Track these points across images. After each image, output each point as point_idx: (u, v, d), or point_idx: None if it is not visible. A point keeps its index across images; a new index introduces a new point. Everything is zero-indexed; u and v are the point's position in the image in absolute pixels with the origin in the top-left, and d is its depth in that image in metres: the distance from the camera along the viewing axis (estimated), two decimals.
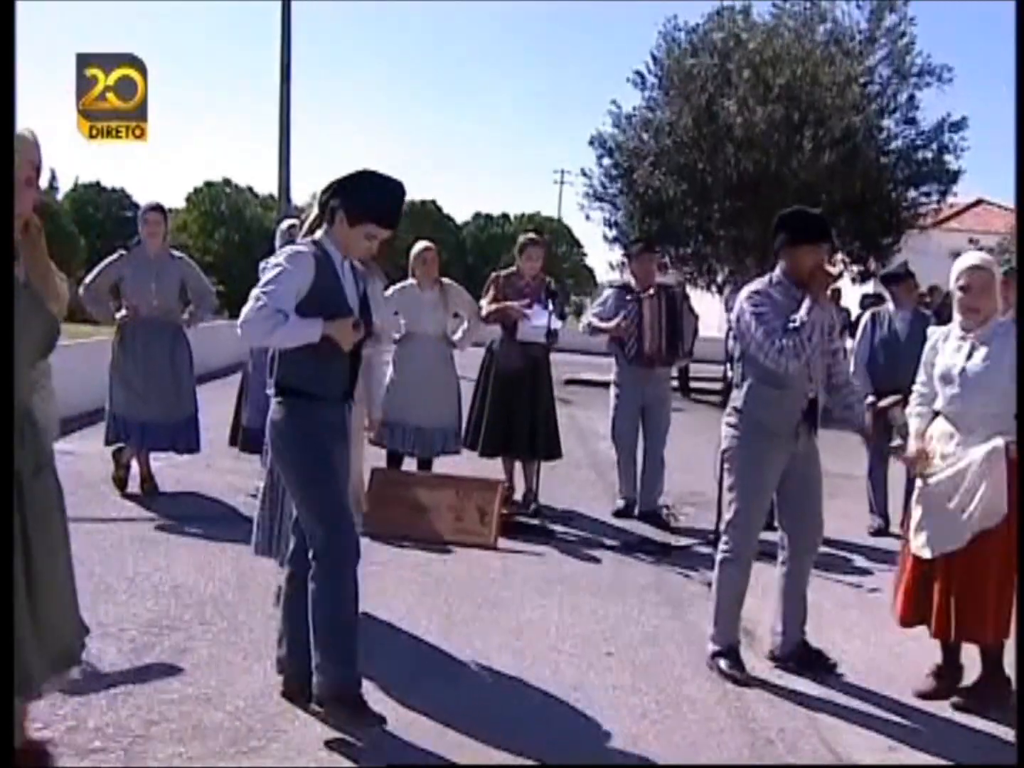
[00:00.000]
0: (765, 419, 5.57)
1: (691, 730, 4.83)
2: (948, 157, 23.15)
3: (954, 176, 23.41)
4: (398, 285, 8.78)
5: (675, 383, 18.49)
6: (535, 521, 8.61)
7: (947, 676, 5.48)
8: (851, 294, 21.77)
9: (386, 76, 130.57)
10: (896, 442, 6.14)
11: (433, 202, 67.48)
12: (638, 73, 23.73)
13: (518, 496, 9.16)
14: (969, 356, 5.28)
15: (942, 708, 5.30)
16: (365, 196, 4.59)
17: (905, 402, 5.98)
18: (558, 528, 8.61)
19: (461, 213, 76.10)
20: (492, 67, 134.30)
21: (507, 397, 8.91)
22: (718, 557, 5.73)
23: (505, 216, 71.29)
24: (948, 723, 5.15)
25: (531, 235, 9.65)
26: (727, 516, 5.71)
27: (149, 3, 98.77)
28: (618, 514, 9.16)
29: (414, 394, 8.46)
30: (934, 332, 5.64)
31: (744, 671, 5.54)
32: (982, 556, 5.14)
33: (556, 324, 8.75)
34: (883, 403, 8.35)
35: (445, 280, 8.94)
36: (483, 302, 9.00)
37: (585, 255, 67.02)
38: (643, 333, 9.06)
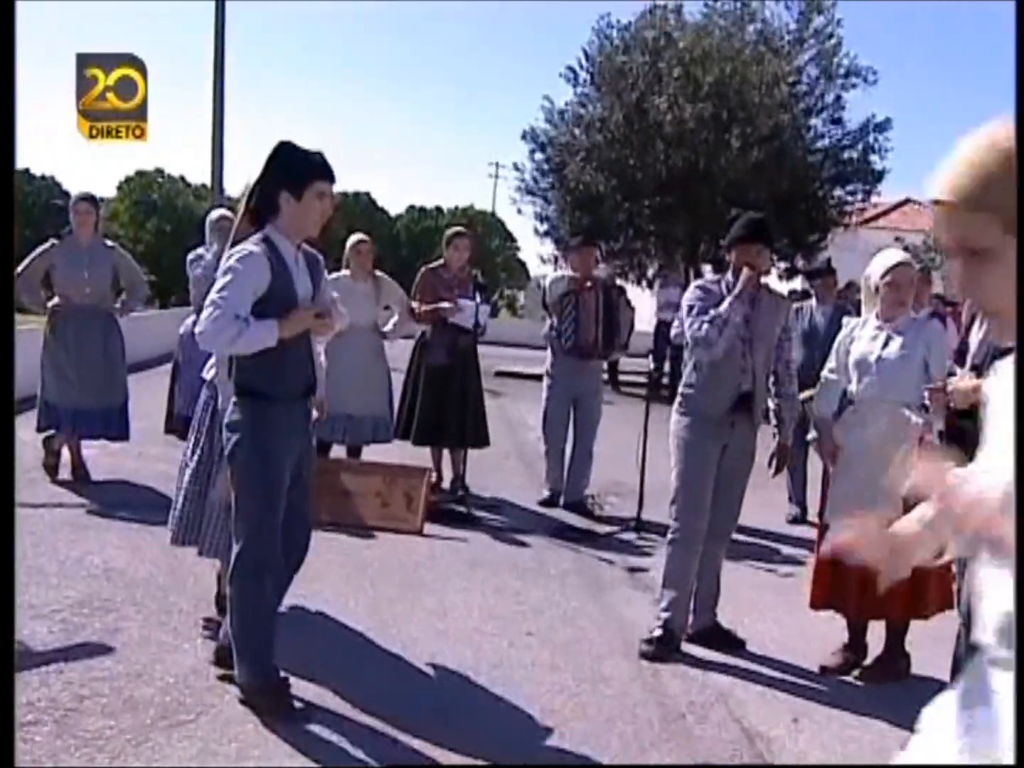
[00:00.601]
0: (699, 403, 5.87)
1: (606, 705, 5.04)
2: (873, 157, 23.62)
3: (879, 175, 23.88)
4: (332, 276, 8.89)
5: (605, 376, 18.77)
6: (461, 508, 8.78)
7: (852, 653, 5.76)
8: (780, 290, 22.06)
9: (321, 67, 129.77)
10: (813, 435, 6.35)
11: (367, 194, 67.25)
12: (571, 69, 23.94)
13: (445, 484, 9.34)
14: (885, 345, 5.57)
15: (845, 682, 5.59)
16: (297, 161, 4.60)
17: None
18: (484, 515, 8.80)
19: (395, 206, 75.86)
20: (427, 60, 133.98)
21: (437, 388, 9.08)
22: (667, 538, 5.99)
23: (439, 209, 71.24)
24: (850, 695, 5.41)
25: (458, 228, 9.86)
26: (671, 497, 5.96)
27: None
28: (544, 504, 9.35)
29: (346, 384, 8.58)
30: (849, 322, 5.92)
31: (669, 653, 5.76)
32: None
33: (483, 317, 8.93)
34: (802, 396, 8.61)
35: (378, 272, 9.12)
36: (414, 303, 9.16)
37: (518, 249, 67.16)
38: (580, 325, 9.25)
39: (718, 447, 5.84)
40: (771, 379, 6.04)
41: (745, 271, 5.80)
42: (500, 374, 19.58)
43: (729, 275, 5.94)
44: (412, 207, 73.03)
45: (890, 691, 5.36)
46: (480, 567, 7.27)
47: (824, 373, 5.93)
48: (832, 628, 5.87)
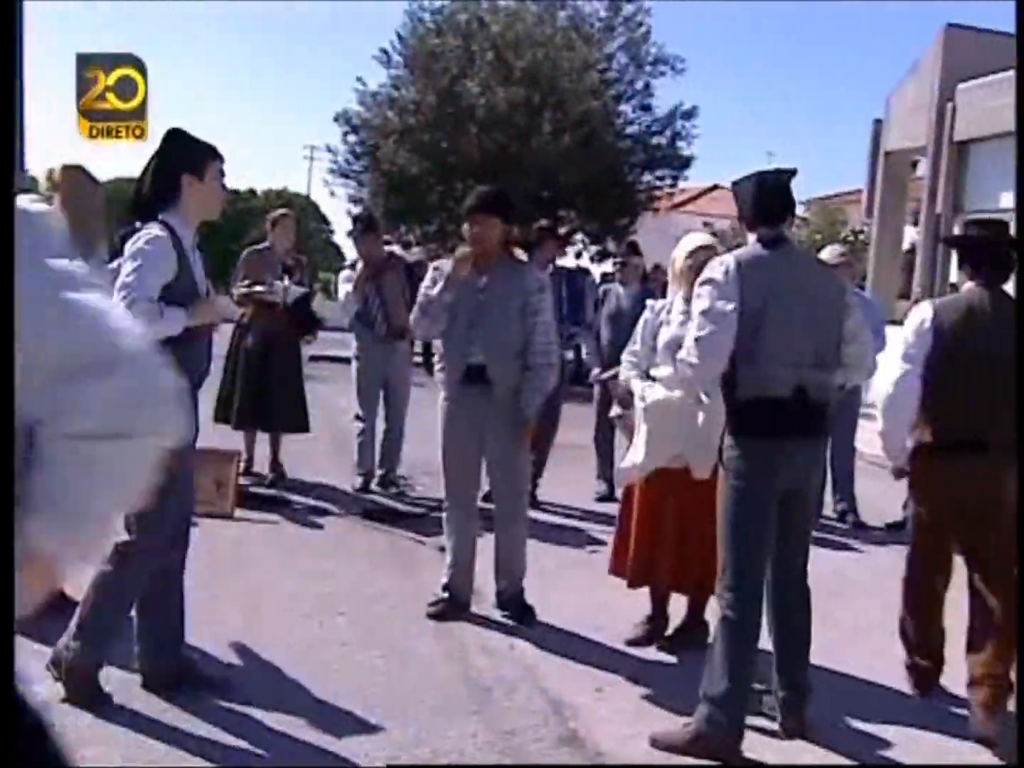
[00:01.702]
0: (441, 380, 6.14)
1: (414, 681, 5.11)
2: (681, 143, 24.35)
3: (686, 161, 24.56)
4: None
5: (419, 359, 18.80)
6: (273, 492, 8.74)
7: (655, 624, 5.95)
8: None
9: (131, 47, 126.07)
10: (616, 411, 6.50)
11: None
12: (384, 51, 23.96)
13: (257, 468, 9.27)
14: None
15: (648, 653, 5.78)
16: (193, 143, 4.65)
17: None
18: (296, 499, 8.76)
19: None
20: (239, 42, 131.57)
21: (257, 372, 8.98)
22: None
23: (252, 192, 70.02)
24: (652, 664, 5.62)
25: (283, 210, 9.79)
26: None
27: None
28: (358, 488, 9.34)
29: None
30: (653, 304, 6.07)
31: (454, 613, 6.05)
32: (705, 521, 5.61)
33: (291, 297, 8.83)
34: (605, 375, 8.82)
35: None
36: (234, 289, 9.03)
37: (332, 232, 66.54)
38: (388, 308, 9.24)
39: (471, 420, 6.02)
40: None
41: (458, 251, 5.99)
42: (315, 358, 19.41)
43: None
44: (225, 189, 71.49)
45: (690, 658, 5.56)
46: (291, 550, 7.25)
47: (625, 353, 6.07)
48: (636, 601, 6.03)
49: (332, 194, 25.83)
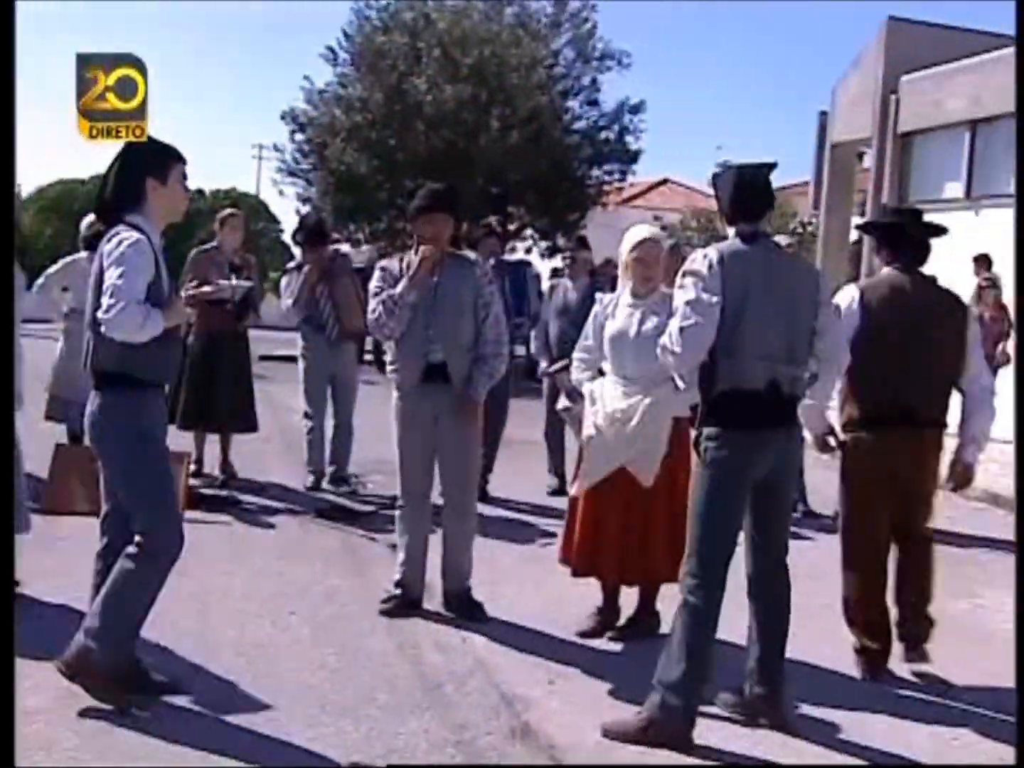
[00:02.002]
0: (396, 379, 6.12)
1: (366, 678, 5.11)
2: (629, 138, 24.42)
3: (635, 156, 24.67)
4: (67, 259, 8.71)
5: (371, 356, 18.77)
6: (224, 493, 8.69)
7: (606, 615, 5.98)
8: (541, 268, 22.53)
9: (80, 45, 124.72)
10: (563, 404, 6.51)
11: None
12: (330, 49, 23.87)
13: (207, 469, 9.22)
14: (642, 322, 5.74)
15: (600, 644, 5.81)
16: (156, 147, 4.77)
17: None
18: (247, 499, 8.73)
19: None
20: (186, 39, 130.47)
21: (204, 372, 8.92)
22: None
23: (200, 191, 69.52)
24: (603, 655, 5.65)
25: (231, 209, 9.76)
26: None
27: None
28: (309, 487, 9.30)
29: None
30: (602, 298, 6.09)
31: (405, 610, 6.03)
32: (650, 513, 5.66)
33: (238, 294, 8.76)
34: (552, 368, 8.83)
35: None
36: (183, 291, 8.94)
37: (282, 231, 66.11)
38: (340, 312, 9.19)
39: (426, 418, 6.03)
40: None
41: (421, 251, 5.95)
42: (264, 358, 19.34)
43: (412, 252, 6.10)
44: (188, 192, 70.88)
45: (640, 648, 5.59)
46: (243, 550, 7.23)
47: (576, 351, 6.08)
48: (588, 593, 6.06)
49: (281, 193, 25.75)
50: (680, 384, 5.04)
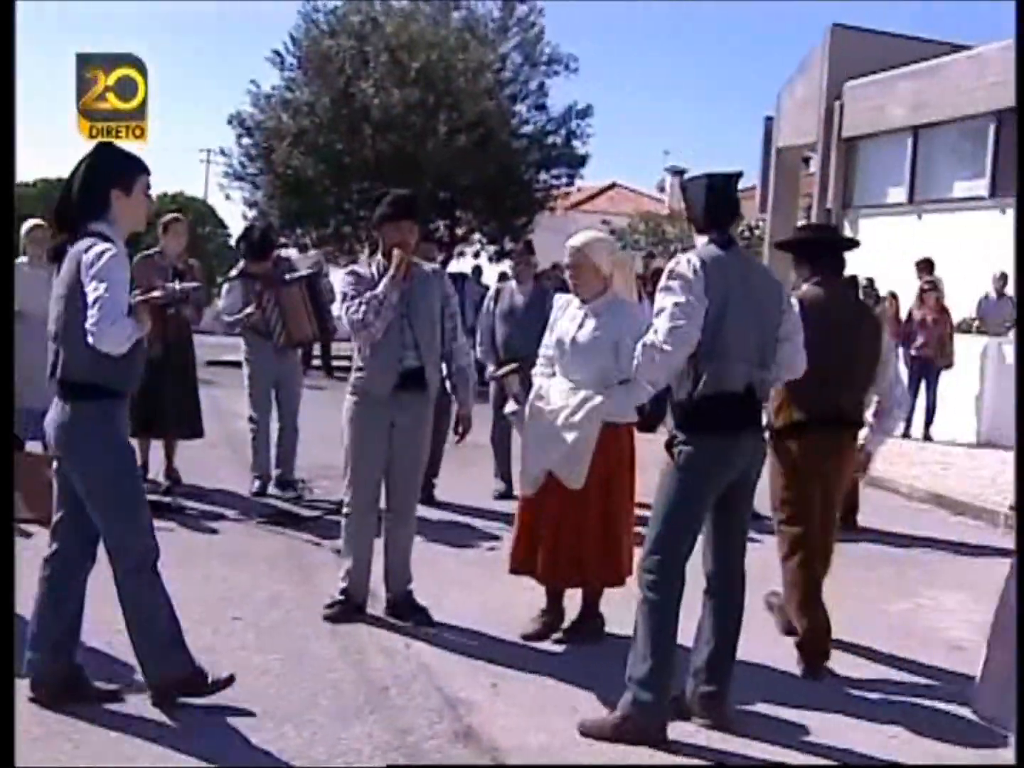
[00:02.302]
0: (365, 383, 6.03)
1: (310, 683, 5.10)
2: (576, 142, 24.50)
3: (582, 160, 24.76)
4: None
5: (318, 362, 18.72)
6: (168, 499, 8.64)
7: (550, 618, 6.00)
8: (490, 272, 22.65)
9: (27, 45, 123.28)
10: (510, 408, 6.53)
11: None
12: (277, 53, 23.77)
13: (152, 475, 9.15)
14: (581, 325, 5.77)
15: (544, 646, 5.83)
16: (121, 157, 4.75)
17: (520, 370, 6.54)
18: (193, 505, 8.68)
19: None
20: (131, 42, 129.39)
21: (147, 377, 8.81)
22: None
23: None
24: (547, 658, 5.66)
25: (174, 214, 9.65)
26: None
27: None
28: (255, 493, 9.25)
29: (27, 375, 8.24)
30: (560, 299, 6.12)
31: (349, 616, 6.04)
32: (584, 516, 5.69)
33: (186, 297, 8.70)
34: (500, 372, 8.85)
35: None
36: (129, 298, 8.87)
37: (229, 235, 65.75)
38: (287, 319, 9.11)
39: (384, 424, 6.00)
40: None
41: (397, 253, 5.93)
42: (211, 363, 19.25)
43: (380, 256, 6.09)
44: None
45: (585, 650, 5.64)
46: (186, 556, 7.16)
47: (541, 351, 6.07)
48: (533, 596, 6.08)
49: (228, 197, 25.57)
50: (650, 389, 5.10)
